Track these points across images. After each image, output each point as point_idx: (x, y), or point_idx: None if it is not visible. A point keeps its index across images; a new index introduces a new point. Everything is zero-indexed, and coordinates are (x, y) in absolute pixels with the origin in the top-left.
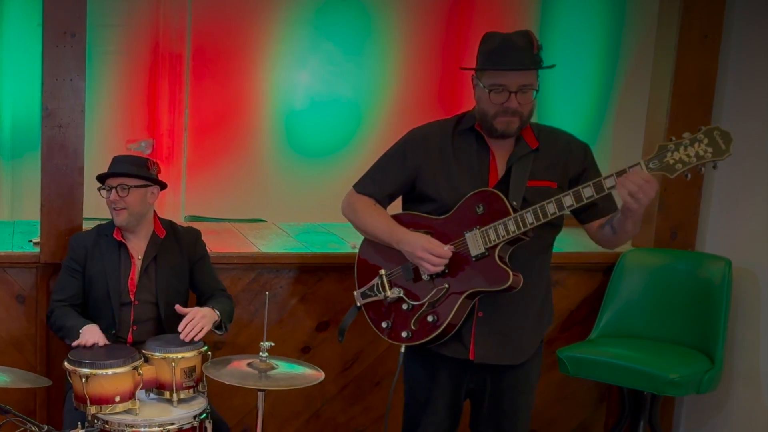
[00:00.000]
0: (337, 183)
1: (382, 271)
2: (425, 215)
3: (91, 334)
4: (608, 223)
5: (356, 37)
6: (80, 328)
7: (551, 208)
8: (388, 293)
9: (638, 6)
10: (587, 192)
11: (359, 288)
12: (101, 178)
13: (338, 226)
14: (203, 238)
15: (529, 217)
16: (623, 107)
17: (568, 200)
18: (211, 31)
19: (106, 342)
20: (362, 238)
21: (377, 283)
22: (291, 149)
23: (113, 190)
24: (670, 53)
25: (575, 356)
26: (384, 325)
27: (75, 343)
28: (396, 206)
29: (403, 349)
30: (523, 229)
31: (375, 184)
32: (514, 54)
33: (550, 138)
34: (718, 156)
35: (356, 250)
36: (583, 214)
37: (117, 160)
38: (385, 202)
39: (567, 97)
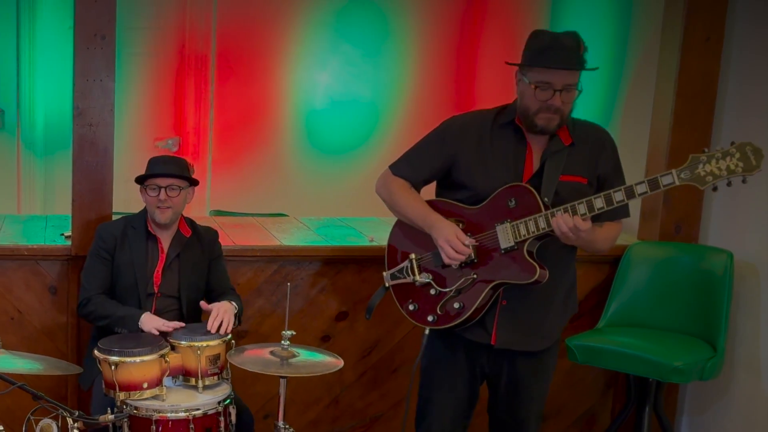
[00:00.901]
0: (356, 179)
1: (413, 256)
2: (458, 204)
3: (154, 321)
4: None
5: (374, 40)
6: (137, 318)
7: (582, 208)
8: (417, 278)
9: (644, 9)
10: (618, 196)
11: (388, 269)
12: (145, 178)
13: (357, 220)
14: (227, 232)
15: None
16: (630, 105)
17: (599, 202)
18: (235, 34)
19: (168, 322)
20: (381, 230)
21: (407, 267)
22: (311, 147)
23: (163, 190)
24: (674, 54)
25: (584, 345)
26: (411, 307)
27: (148, 330)
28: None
29: (426, 332)
30: (552, 227)
31: (411, 168)
32: (563, 53)
33: (584, 134)
34: (748, 171)
35: (375, 243)
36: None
37: (163, 161)
38: (419, 185)
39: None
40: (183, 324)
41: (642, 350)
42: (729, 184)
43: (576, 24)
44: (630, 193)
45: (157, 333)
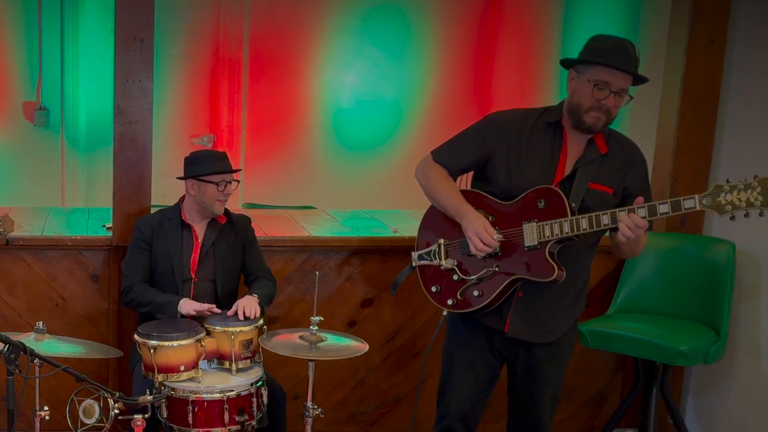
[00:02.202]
0: (380, 174)
1: (442, 240)
2: (490, 197)
3: (191, 305)
4: (614, 238)
5: (398, 43)
6: (176, 304)
7: (605, 219)
8: (444, 262)
9: (651, 13)
10: (641, 212)
11: (417, 249)
12: (214, 172)
13: (381, 213)
14: (259, 223)
15: (584, 223)
16: (637, 106)
17: (623, 216)
18: (266, 38)
19: (202, 304)
20: (404, 222)
21: (435, 250)
22: (339, 144)
23: (228, 185)
24: (680, 56)
25: (595, 330)
26: (434, 289)
27: (187, 314)
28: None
29: (445, 313)
30: (576, 233)
31: (451, 157)
32: (626, 57)
33: (618, 146)
34: (766, 206)
35: (398, 234)
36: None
37: (221, 158)
38: (456, 174)
39: None
40: (215, 306)
41: (649, 335)
42: (747, 215)
43: (587, 28)
44: (652, 211)
45: (195, 314)
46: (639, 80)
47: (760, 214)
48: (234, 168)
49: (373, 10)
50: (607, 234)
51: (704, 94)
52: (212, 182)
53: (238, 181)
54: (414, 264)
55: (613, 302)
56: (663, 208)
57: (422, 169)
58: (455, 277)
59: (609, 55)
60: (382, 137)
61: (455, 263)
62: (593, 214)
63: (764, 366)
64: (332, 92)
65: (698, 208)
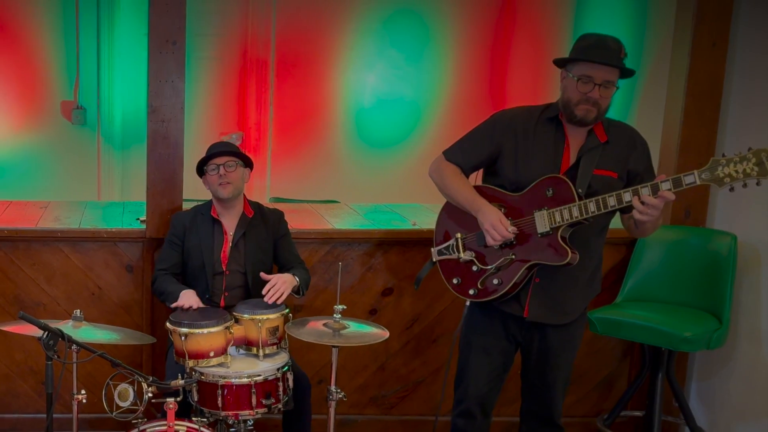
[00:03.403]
0: (400, 169)
1: (459, 235)
2: (502, 190)
3: (188, 298)
4: (632, 218)
5: (416, 45)
6: (179, 293)
7: (612, 201)
8: (462, 255)
9: (657, 17)
10: (645, 191)
11: (436, 246)
12: (206, 160)
13: (401, 206)
14: (285, 217)
15: (592, 206)
16: (645, 102)
17: (627, 196)
18: (292, 40)
19: (201, 305)
20: (423, 215)
21: (453, 245)
22: (361, 141)
23: (221, 167)
24: (684, 57)
25: (603, 317)
26: (455, 281)
27: (174, 305)
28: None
29: (468, 303)
30: (585, 216)
31: (463, 155)
32: (606, 52)
33: (618, 133)
34: (763, 175)
35: (417, 227)
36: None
37: (216, 145)
38: (468, 171)
39: None
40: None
41: (655, 322)
42: (745, 185)
43: (597, 31)
44: (655, 189)
45: (187, 307)
46: (625, 72)
47: (758, 184)
48: (239, 154)
49: (394, 14)
50: (628, 218)
51: (707, 93)
52: (208, 171)
53: (239, 163)
54: (434, 259)
55: (620, 291)
56: (665, 185)
57: (436, 168)
58: (474, 268)
59: (590, 51)
60: (402, 135)
61: (473, 255)
62: (600, 197)
63: (764, 352)
64: (354, 92)
65: (698, 182)
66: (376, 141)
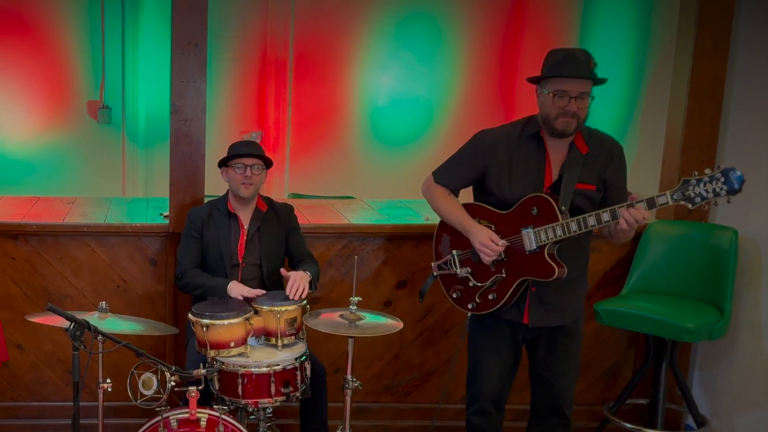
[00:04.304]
0: (414, 166)
1: (455, 252)
2: (490, 208)
3: (239, 290)
4: (608, 228)
5: (429, 47)
6: (225, 287)
7: (592, 221)
8: (458, 271)
9: (661, 21)
10: (622, 211)
11: (435, 260)
12: (234, 156)
13: (415, 202)
14: (303, 212)
15: (573, 226)
16: (648, 105)
17: (605, 216)
18: (310, 42)
19: (251, 290)
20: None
21: (450, 261)
22: (376, 139)
23: (248, 168)
24: (687, 60)
25: (609, 309)
26: (454, 295)
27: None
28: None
29: (469, 314)
30: (567, 235)
31: (450, 177)
32: (576, 65)
33: (597, 144)
34: (731, 194)
35: (430, 222)
36: None
37: (245, 144)
38: (457, 191)
39: (602, 96)
40: (264, 291)
41: (659, 314)
42: (716, 203)
43: (603, 34)
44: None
45: (242, 298)
46: (597, 81)
47: (728, 201)
48: (265, 157)
49: (407, 18)
50: (601, 228)
51: (709, 94)
52: (234, 167)
53: (264, 167)
54: (435, 273)
55: (626, 284)
56: (641, 206)
57: (427, 189)
58: (471, 284)
59: (560, 66)
60: (416, 133)
61: (469, 271)
62: (581, 217)
63: (764, 342)
64: (370, 92)
65: (671, 203)
66: (390, 139)
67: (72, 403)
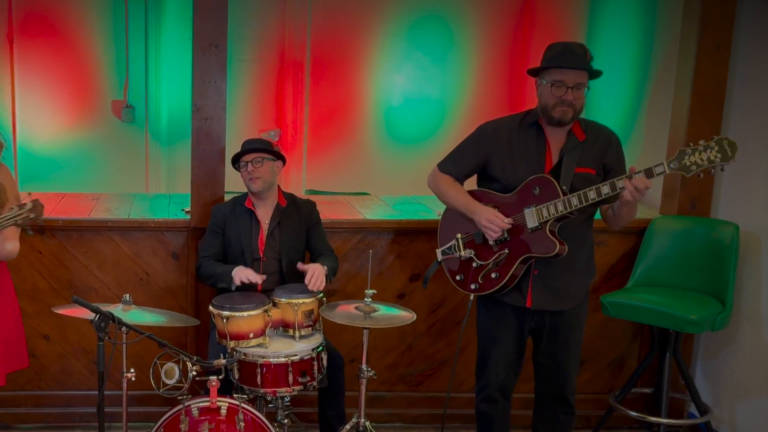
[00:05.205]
0: (427, 164)
1: (459, 235)
2: (494, 192)
3: (243, 272)
4: (611, 208)
5: (441, 48)
6: (231, 272)
7: (592, 194)
8: (462, 253)
9: (665, 23)
10: (620, 183)
11: (440, 247)
12: (238, 157)
13: (427, 198)
14: (319, 207)
15: (575, 200)
16: (653, 104)
17: (605, 189)
18: (326, 44)
19: (256, 274)
20: (445, 208)
21: (454, 244)
22: (390, 137)
23: (249, 164)
24: (690, 61)
25: (615, 301)
26: (458, 278)
27: (237, 284)
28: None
29: (472, 297)
30: (569, 210)
31: (455, 166)
32: (573, 57)
33: (595, 132)
34: (725, 161)
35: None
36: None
37: (245, 143)
38: (462, 179)
39: (608, 95)
40: (264, 277)
41: (663, 306)
42: (711, 172)
43: (609, 35)
44: (630, 179)
45: (247, 281)
46: (593, 73)
47: (722, 169)
48: (265, 149)
49: (420, 20)
50: (606, 209)
51: (711, 93)
52: (240, 166)
53: (264, 158)
54: (439, 259)
55: (631, 277)
56: (639, 176)
57: (433, 179)
58: (474, 264)
59: (559, 58)
60: (428, 132)
61: (472, 252)
62: (581, 191)
63: (764, 333)
64: (384, 92)
65: (668, 171)
66: (404, 137)
67: (97, 392)
